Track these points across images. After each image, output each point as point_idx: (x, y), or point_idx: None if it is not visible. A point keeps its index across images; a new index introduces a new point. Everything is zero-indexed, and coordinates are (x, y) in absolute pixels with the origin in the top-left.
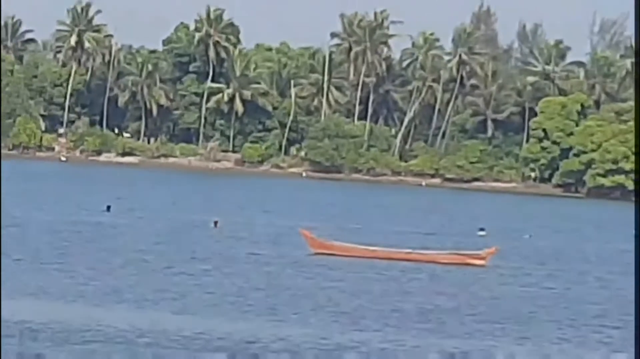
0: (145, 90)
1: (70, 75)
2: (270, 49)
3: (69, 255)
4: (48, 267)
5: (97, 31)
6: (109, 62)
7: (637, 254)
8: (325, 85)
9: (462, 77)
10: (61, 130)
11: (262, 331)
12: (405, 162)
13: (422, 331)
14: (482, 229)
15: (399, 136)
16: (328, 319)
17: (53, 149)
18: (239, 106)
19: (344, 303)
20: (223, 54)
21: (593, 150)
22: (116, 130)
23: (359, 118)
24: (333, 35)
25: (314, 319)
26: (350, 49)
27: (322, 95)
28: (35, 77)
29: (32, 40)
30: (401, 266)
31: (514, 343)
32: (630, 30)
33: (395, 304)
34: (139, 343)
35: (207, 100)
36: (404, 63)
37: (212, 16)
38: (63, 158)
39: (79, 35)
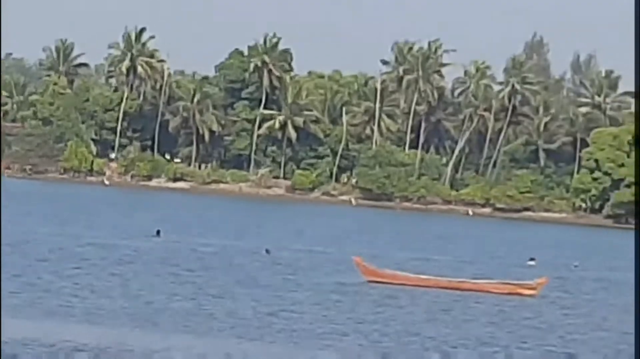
0: (197, 116)
1: (122, 99)
2: (322, 77)
3: (121, 276)
4: (101, 287)
5: (150, 56)
6: (161, 87)
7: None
8: (376, 113)
9: (513, 107)
10: (112, 155)
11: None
12: (456, 191)
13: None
14: (532, 259)
15: (450, 165)
16: (369, 348)
17: (104, 174)
18: (290, 133)
19: (390, 331)
20: (275, 81)
21: None
22: (167, 156)
23: (410, 147)
24: (384, 62)
25: (353, 345)
26: (402, 77)
27: (374, 123)
28: (87, 101)
29: (84, 64)
30: (453, 296)
31: None
32: None
33: (441, 331)
34: None
35: (259, 127)
36: (456, 92)
37: (268, 44)
38: (107, 182)
39: (132, 60)
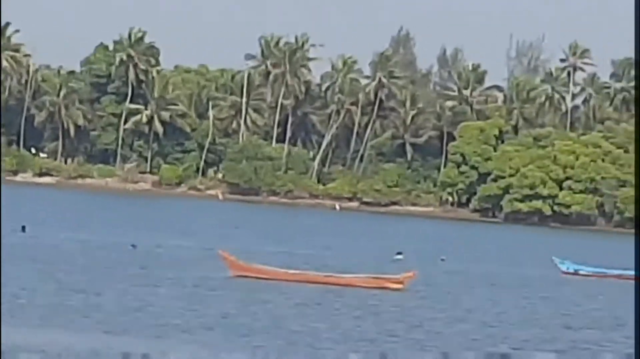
0: (63, 111)
1: None
2: (189, 71)
3: None
4: None
5: (16, 50)
6: (26, 81)
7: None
8: (243, 107)
9: (380, 101)
10: None
11: (176, 351)
12: (324, 185)
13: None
14: (399, 253)
15: (317, 159)
16: (237, 341)
17: None
18: (157, 127)
19: (258, 325)
20: (142, 75)
21: (511, 175)
22: (33, 151)
23: (277, 141)
24: (249, 57)
25: (224, 341)
26: (269, 71)
27: (240, 117)
28: None
29: None
30: (320, 290)
31: None
32: (546, 54)
33: (309, 326)
34: None
35: (125, 121)
36: (323, 86)
37: (133, 38)
38: None
39: None
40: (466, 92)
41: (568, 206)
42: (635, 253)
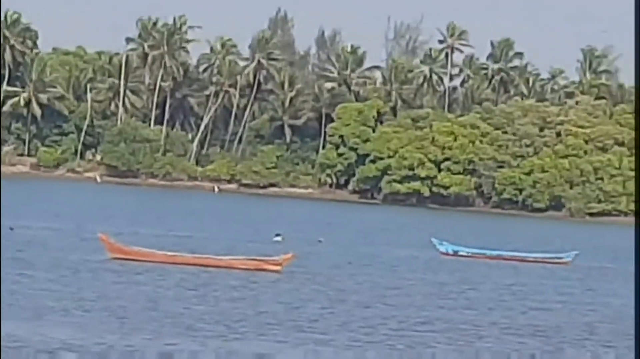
0: None
1: None
2: (67, 53)
3: None
4: None
5: None
6: None
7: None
8: (121, 90)
9: (259, 83)
10: None
11: (52, 333)
12: (202, 167)
13: (209, 336)
14: (278, 235)
15: (196, 141)
16: (114, 323)
17: None
18: (35, 110)
19: (133, 308)
20: (19, 57)
21: (389, 157)
22: None
23: (156, 123)
24: (129, 40)
25: (96, 322)
26: (146, 53)
27: (119, 100)
28: None
29: None
30: (198, 271)
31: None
32: (425, 36)
33: (183, 309)
34: None
35: (3, 104)
36: (201, 68)
37: (9, 20)
38: None
39: None
40: (345, 74)
41: (446, 188)
42: (635, 250)
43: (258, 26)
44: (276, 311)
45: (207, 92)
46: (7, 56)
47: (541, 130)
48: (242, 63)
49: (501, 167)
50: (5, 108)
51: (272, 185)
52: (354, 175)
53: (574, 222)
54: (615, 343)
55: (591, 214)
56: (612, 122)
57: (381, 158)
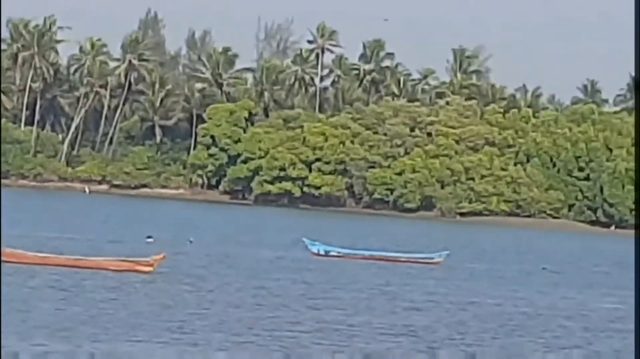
0: None
1: None
2: None
3: None
4: None
5: None
6: None
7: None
8: None
9: (129, 83)
10: None
11: None
12: (73, 168)
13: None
14: (149, 236)
15: (66, 142)
16: None
17: None
18: None
19: (2, 309)
20: None
21: (260, 157)
22: None
23: (26, 124)
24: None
25: None
26: (17, 53)
27: None
28: None
29: None
30: (69, 273)
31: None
32: (295, 36)
33: (58, 309)
34: None
35: None
36: (72, 69)
37: None
38: None
39: None
40: (216, 74)
41: (318, 188)
42: (636, 253)
43: (129, 27)
44: (148, 312)
45: (77, 93)
46: None
47: (412, 130)
48: (112, 64)
49: (372, 167)
50: None
51: (143, 185)
52: (225, 175)
53: (445, 222)
54: (487, 342)
55: (462, 214)
56: (483, 122)
57: (252, 159)
